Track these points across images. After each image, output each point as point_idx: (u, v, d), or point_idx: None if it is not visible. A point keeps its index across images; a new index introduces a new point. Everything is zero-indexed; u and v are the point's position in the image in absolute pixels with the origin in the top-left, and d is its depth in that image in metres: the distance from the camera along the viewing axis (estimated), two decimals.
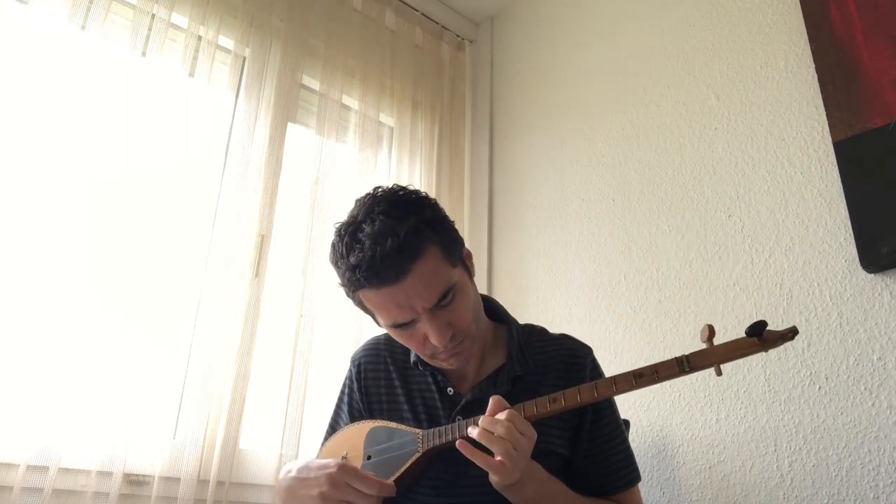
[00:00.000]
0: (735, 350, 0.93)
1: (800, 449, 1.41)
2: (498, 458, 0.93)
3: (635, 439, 1.65)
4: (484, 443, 0.94)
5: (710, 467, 1.53)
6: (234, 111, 1.91)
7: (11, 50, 1.53)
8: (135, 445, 1.48)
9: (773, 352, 1.50)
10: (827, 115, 1.52)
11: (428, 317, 1.02)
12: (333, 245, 1.07)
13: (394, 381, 1.20)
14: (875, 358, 1.36)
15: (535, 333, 1.23)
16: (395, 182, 2.19)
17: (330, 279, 1.90)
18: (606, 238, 1.94)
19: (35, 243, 1.50)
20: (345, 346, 1.86)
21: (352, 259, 1.01)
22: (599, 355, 1.22)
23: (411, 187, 1.10)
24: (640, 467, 1.19)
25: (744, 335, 0.92)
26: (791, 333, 0.91)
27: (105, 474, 1.42)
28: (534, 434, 0.97)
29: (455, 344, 1.06)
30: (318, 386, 1.78)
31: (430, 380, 1.17)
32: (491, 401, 1.00)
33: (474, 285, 1.14)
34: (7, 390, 1.40)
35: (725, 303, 1.61)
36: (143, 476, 1.49)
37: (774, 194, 1.60)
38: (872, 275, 1.40)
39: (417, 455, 1.06)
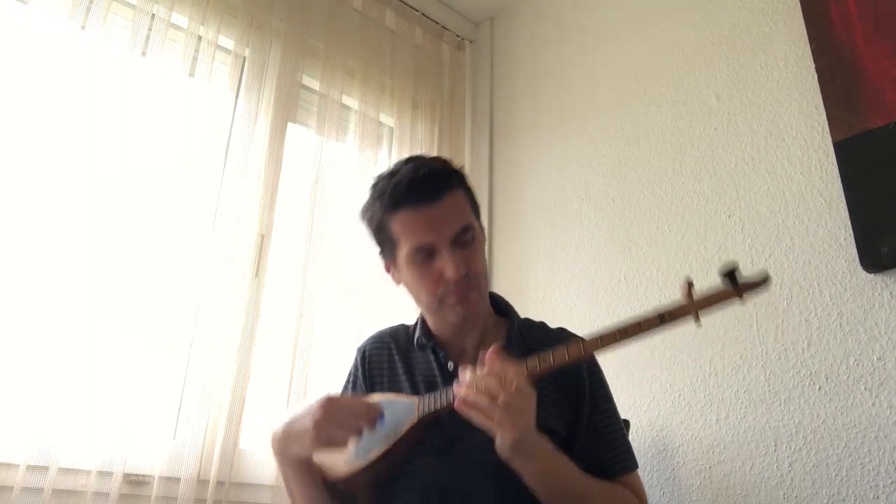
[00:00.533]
0: (710, 299, 0.96)
1: (800, 449, 1.41)
2: (496, 418, 0.94)
3: (635, 439, 1.65)
4: (471, 398, 0.96)
5: (710, 467, 1.53)
6: (234, 111, 1.91)
7: (11, 50, 1.53)
8: (135, 445, 1.48)
9: (773, 352, 1.50)
10: (827, 115, 1.52)
11: (448, 250, 1.09)
12: (372, 186, 1.17)
13: (396, 363, 1.24)
14: (875, 358, 1.36)
15: (535, 325, 1.27)
16: None
17: (330, 279, 1.91)
18: (606, 238, 1.94)
19: (35, 243, 1.50)
20: (345, 346, 1.86)
21: (395, 179, 1.12)
22: (600, 356, 1.22)
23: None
24: (640, 467, 1.19)
25: (719, 283, 0.96)
26: (762, 280, 0.95)
27: (105, 474, 1.42)
28: (530, 391, 0.97)
29: (466, 286, 1.11)
30: (318, 386, 1.78)
31: (431, 358, 1.20)
32: (480, 356, 1.02)
33: (485, 254, 1.20)
34: (7, 390, 1.40)
35: None
36: (143, 476, 1.49)
37: (774, 194, 1.60)
38: (872, 275, 1.40)
39: (413, 420, 1.07)
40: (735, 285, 0.95)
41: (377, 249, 1.23)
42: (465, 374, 1.00)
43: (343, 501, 1.14)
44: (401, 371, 1.22)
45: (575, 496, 1.02)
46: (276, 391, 1.74)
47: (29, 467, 1.33)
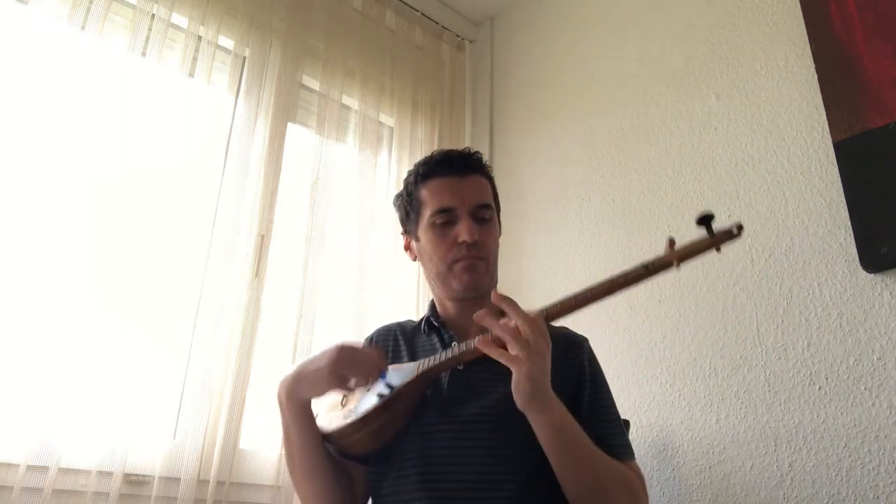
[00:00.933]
0: (689, 248, 1.02)
1: (800, 449, 1.41)
2: (513, 351, 0.96)
3: (635, 439, 1.65)
4: (495, 330, 0.99)
5: (710, 467, 1.53)
6: (234, 111, 1.91)
7: (11, 50, 1.53)
8: (135, 445, 1.48)
9: (772, 352, 1.50)
10: (827, 115, 1.52)
11: (467, 217, 1.20)
12: (410, 170, 1.30)
13: (400, 348, 1.27)
14: (875, 358, 1.36)
15: None
16: (395, 182, 2.20)
17: (330, 279, 1.91)
18: (606, 238, 1.94)
19: (35, 243, 1.50)
20: None
21: (430, 156, 1.28)
22: (599, 354, 1.24)
23: None
24: (640, 467, 1.19)
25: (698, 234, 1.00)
26: (737, 229, 0.99)
27: (105, 474, 1.42)
28: (547, 335, 0.99)
29: (476, 255, 1.19)
30: None
31: (436, 340, 1.23)
32: (493, 294, 1.03)
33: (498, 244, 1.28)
34: (7, 390, 1.40)
35: (725, 303, 1.61)
36: (143, 476, 1.49)
37: (774, 194, 1.60)
38: (872, 275, 1.40)
39: (412, 377, 1.08)
40: (711, 234, 1.00)
41: (401, 229, 1.32)
42: (483, 316, 1.02)
43: (335, 467, 1.15)
44: (404, 351, 1.26)
45: (584, 458, 1.02)
46: (276, 391, 1.74)
47: (29, 467, 1.33)
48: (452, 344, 1.17)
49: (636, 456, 1.18)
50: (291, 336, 1.78)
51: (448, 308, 1.26)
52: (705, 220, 1.00)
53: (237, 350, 1.67)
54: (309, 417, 1.14)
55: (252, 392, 1.67)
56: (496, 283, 1.25)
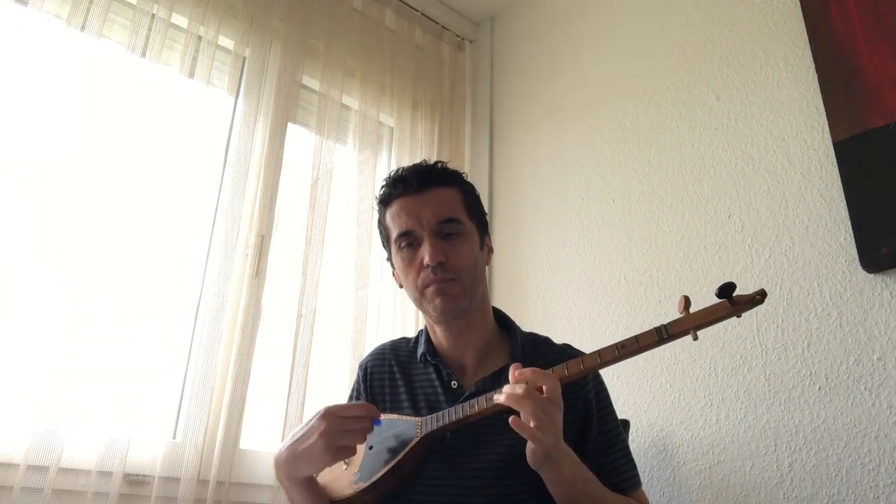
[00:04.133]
0: (709, 315, 0.98)
1: (800, 449, 1.41)
2: (530, 423, 0.93)
3: (635, 439, 1.65)
4: (511, 404, 0.95)
5: (710, 467, 1.53)
6: (234, 111, 1.91)
7: (11, 50, 1.53)
8: (135, 445, 1.48)
9: (772, 352, 1.50)
10: (827, 115, 1.51)
11: (429, 238, 1.14)
12: (377, 195, 1.26)
13: (396, 379, 1.23)
14: (875, 358, 1.36)
15: (540, 341, 1.26)
16: None
17: (330, 279, 1.91)
18: (606, 238, 1.94)
19: (35, 243, 1.50)
20: (345, 346, 1.87)
21: (388, 176, 1.22)
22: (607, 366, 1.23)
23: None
24: (640, 467, 1.21)
25: (715, 299, 0.97)
26: (760, 296, 0.96)
27: (105, 474, 1.42)
28: (561, 401, 0.97)
29: (444, 277, 1.13)
30: (318, 386, 1.78)
31: (433, 375, 1.20)
32: (511, 368, 1.01)
33: (483, 260, 1.23)
34: (7, 390, 1.40)
35: None
36: (143, 476, 1.49)
37: (774, 194, 1.60)
38: (872, 275, 1.40)
39: (416, 440, 1.07)
40: (733, 304, 0.96)
41: (385, 255, 1.27)
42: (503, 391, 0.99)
43: None
44: (401, 388, 1.21)
45: None
46: (276, 391, 1.74)
47: (29, 467, 1.33)
48: (452, 382, 1.16)
49: (636, 456, 1.20)
50: (291, 336, 1.78)
51: (439, 335, 1.22)
52: (726, 292, 0.96)
53: (237, 350, 1.67)
54: (314, 491, 1.11)
55: (252, 392, 1.67)
56: (484, 298, 1.21)
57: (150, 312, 1.60)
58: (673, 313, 1.70)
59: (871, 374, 1.36)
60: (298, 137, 2.03)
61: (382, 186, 1.23)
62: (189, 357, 1.64)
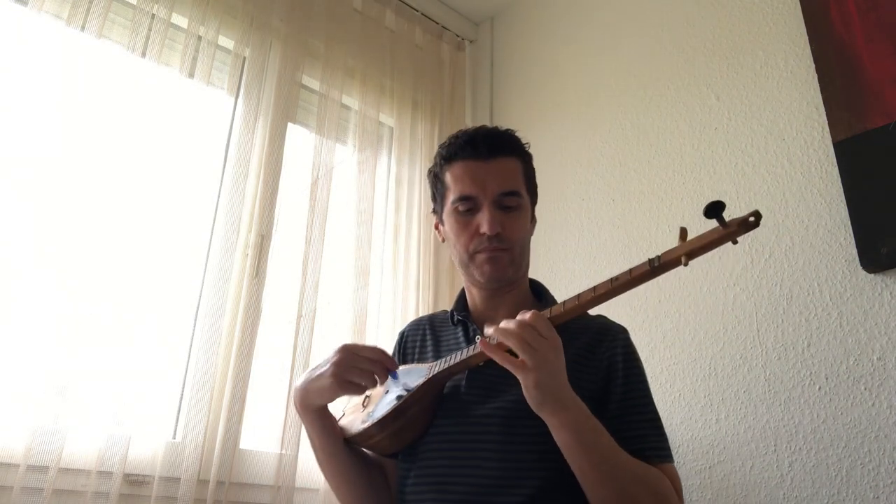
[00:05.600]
0: (700, 241, 0.93)
1: (800, 449, 1.41)
2: (520, 357, 0.93)
3: None
4: (499, 337, 0.96)
5: (709, 467, 1.53)
6: (234, 111, 1.91)
7: (11, 50, 1.53)
8: (135, 445, 1.48)
9: (772, 352, 1.50)
10: (827, 115, 1.52)
11: (489, 206, 1.14)
12: (437, 150, 1.25)
13: (427, 339, 1.27)
14: (875, 358, 1.36)
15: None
16: (395, 182, 2.20)
17: (330, 279, 1.91)
18: (606, 238, 1.94)
19: (35, 243, 1.50)
20: None
21: (456, 136, 1.20)
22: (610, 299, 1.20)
23: None
24: (676, 472, 1.08)
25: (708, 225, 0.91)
26: (754, 218, 0.88)
27: (105, 474, 1.42)
28: (555, 336, 0.96)
29: (497, 246, 1.14)
30: None
31: (460, 333, 1.21)
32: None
33: (530, 232, 1.24)
34: (7, 390, 1.40)
35: (725, 303, 1.61)
36: (143, 476, 1.49)
37: (774, 194, 1.60)
38: (872, 275, 1.40)
39: (422, 381, 1.08)
40: (723, 224, 0.90)
41: (433, 207, 1.28)
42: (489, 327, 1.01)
43: (365, 466, 1.17)
44: (430, 346, 1.25)
45: (607, 463, 0.95)
46: (276, 391, 1.74)
47: (29, 467, 1.33)
48: (476, 337, 1.16)
49: None
50: (291, 336, 1.78)
51: (475, 297, 1.23)
52: (715, 209, 0.88)
53: (237, 350, 1.67)
54: (326, 423, 1.14)
55: (252, 392, 1.67)
56: (527, 268, 1.23)
57: (150, 312, 1.60)
58: (673, 314, 1.71)
59: (871, 374, 1.36)
60: (298, 137, 2.03)
61: (450, 142, 1.21)
62: (189, 357, 1.64)
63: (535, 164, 1.27)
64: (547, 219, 2.13)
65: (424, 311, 2.03)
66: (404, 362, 1.26)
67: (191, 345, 1.65)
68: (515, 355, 0.94)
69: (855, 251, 1.42)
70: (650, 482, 0.98)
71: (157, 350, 1.59)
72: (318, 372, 1.10)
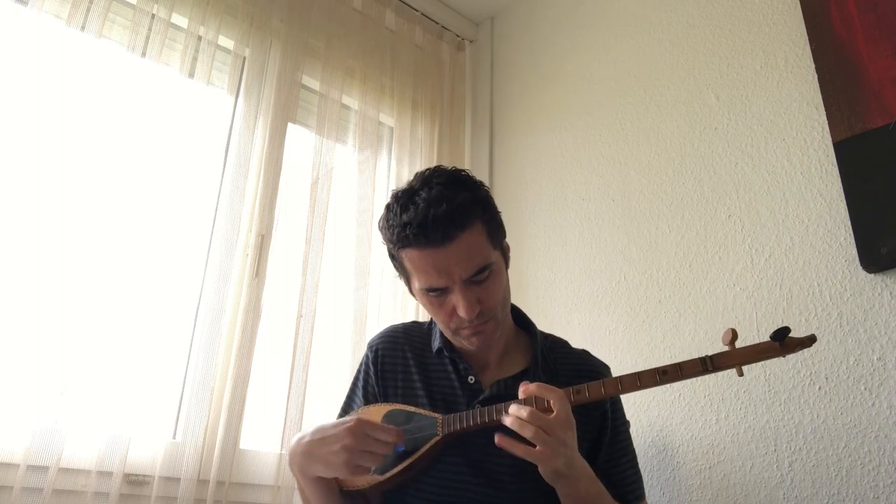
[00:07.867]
0: (756, 353, 0.99)
1: (800, 449, 1.41)
2: (537, 447, 0.93)
3: (635, 439, 1.65)
4: (516, 429, 0.95)
5: (710, 467, 1.53)
6: (234, 111, 1.91)
7: (11, 50, 1.53)
8: (135, 445, 1.48)
9: None
10: (827, 115, 1.51)
11: (461, 288, 1.06)
12: (387, 206, 1.12)
13: (411, 369, 1.21)
14: (875, 358, 1.36)
15: (558, 345, 1.27)
16: (395, 182, 2.21)
17: (330, 279, 1.91)
18: (606, 238, 1.94)
19: (35, 244, 1.50)
20: (345, 346, 1.87)
21: (404, 217, 1.06)
22: (600, 354, 1.25)
23: (470, 171, 1.16)
24: (640, 467, 1.23)
25: (767, 339, 0.99)
26: (810, 341, 0.98)
27: (105, 474, 1.42)
28: (572, 420, 0.97)
29: (480, 322, 1.09)
30: (318, 386, 1.78)
31: (450, 368, 1.18)
32: (521, 386, 1.02)
33: (507, 276, 1.18)
34: (7, 390, 1.40)
35: (725, 303, 1.61)
36: (143, 476, 1.49)
37: (774, 194, 1.60)
38: (872, 275, 1.40)
39: (437, 438, 1.06)
40: (783, 346, 0.99)
41: (396, 274, 1.20)
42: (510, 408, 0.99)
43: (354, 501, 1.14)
44: (417, 380, 1.19)
45: None
46: (276, 391, 1.74)
47: (29, 467, 1.33)
48: (469, 378, 1.15)
49: (638, 456, 1.21)
50: (291, 336, 1.78)
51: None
52: (780, 336, 0.98)
53: (237, 350, 1.67)
54: (326, 488, 1.10)
55: (252, 392, 1.67)
56: (508, 311, 1.20)
57: (150, 312, 1.60)
58: (673, 313, 1.71)
59: (871, 374, 1.36)
60: (298, 137, 2.03)
61: (399, 224, 1.06)
62: (189, 357, 1.64)
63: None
64: (547, 219, 2.13)
65: (424, 311, 2.02)
66: (384, 384, 1.21)
67: (191, 345, 1.65)
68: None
69: (855, 251, 1.42)
70: None
71: (157, 350, 1.59)
72: (326, 448, 1.03)
